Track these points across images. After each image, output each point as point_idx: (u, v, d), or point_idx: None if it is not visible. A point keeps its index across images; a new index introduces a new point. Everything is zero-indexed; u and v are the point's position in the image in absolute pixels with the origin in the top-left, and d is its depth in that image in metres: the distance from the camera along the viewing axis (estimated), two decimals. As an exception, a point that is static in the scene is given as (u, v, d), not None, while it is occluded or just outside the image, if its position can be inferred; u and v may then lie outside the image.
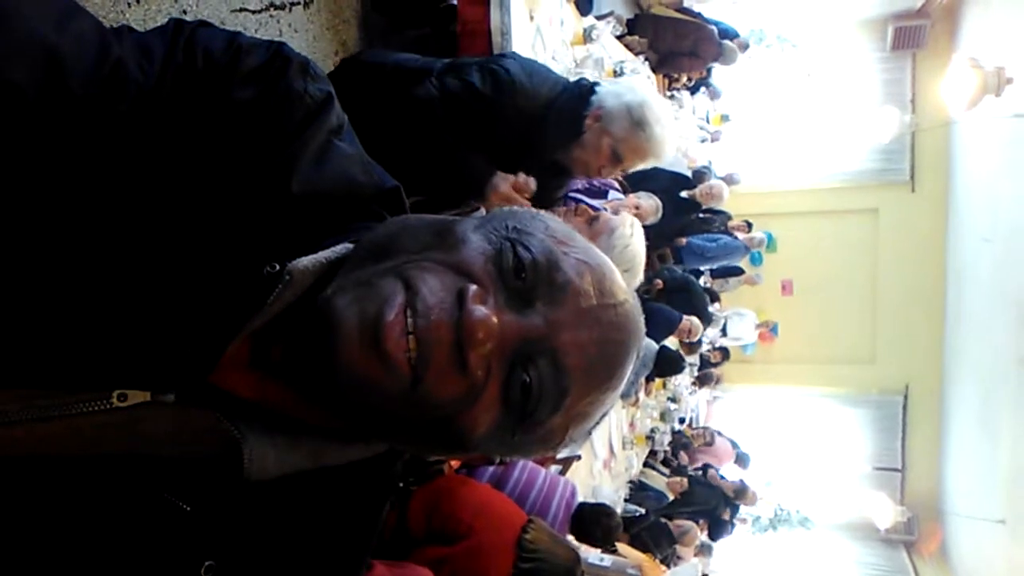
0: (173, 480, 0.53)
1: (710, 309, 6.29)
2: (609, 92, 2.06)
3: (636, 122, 2.01)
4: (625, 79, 2.15)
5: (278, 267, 0.52)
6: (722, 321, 7.58)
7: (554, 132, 2.03)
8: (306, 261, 0.54)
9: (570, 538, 2.78)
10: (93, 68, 0.51)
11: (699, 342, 6.07)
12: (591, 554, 3.22)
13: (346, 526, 0.64)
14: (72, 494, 0.51)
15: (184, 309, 0.52)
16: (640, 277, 2.21)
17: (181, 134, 0.53)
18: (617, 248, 2.04)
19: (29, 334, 0.49)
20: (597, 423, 0.61)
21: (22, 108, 0.48)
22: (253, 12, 2.44)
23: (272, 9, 2.51)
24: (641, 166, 2.15)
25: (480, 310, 0.50)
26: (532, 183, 1.91)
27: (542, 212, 0.61)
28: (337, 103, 0.62)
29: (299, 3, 2.59)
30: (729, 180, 7.70)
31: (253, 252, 0.54)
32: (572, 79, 2.20)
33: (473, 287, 0.52)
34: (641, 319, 0.61)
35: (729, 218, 6.64)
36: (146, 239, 0.52)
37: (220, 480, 0.53)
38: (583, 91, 2.08)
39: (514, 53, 2.15)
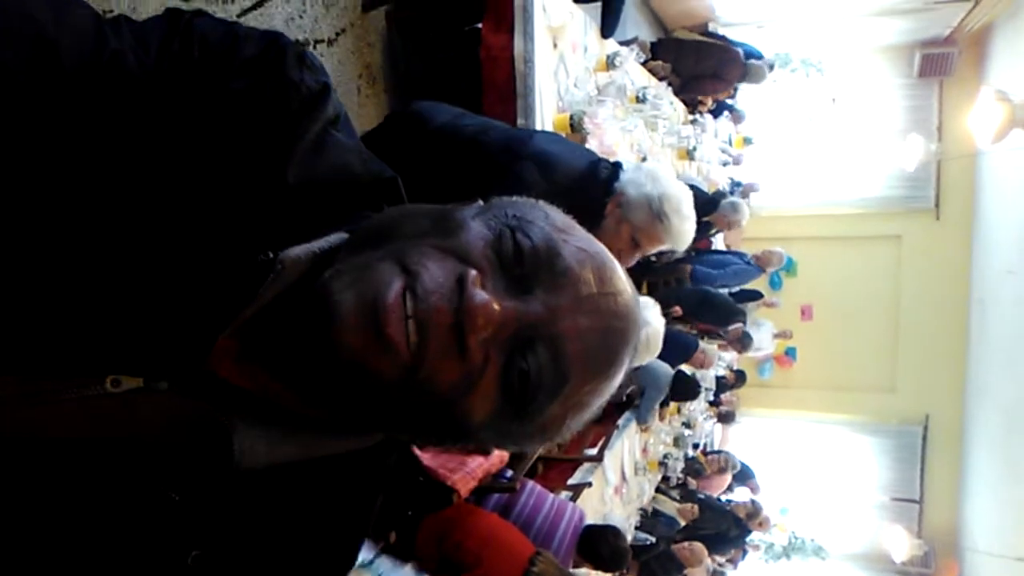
0: (163, 468, 0.53)
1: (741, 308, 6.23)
2: (630, 181, 2.07)
3: (656, 214, 2.03)
4: (647, 165, 2.16)
5: (272, 255, 0.52)
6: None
7: (574, 217, 2.03)
8: (298, 250, 0.53)
9: (581, 571, 2.76)
10: (89, 57, 0.51)
11: (747, 337, 5.96)
12: (600, 585, 3.19)
13: (337, 517, 0.63)
14: (60, 480, 0.51)
15: (178, 296, 0.52)
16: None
17: (177, 122, 0.53)
18: (643, 337, 2.11)
19: (22, 319, 0.49)
20: (595, 415, 0.61)
21: (16, 97, 0.48)
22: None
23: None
24: (661, 249, 2.17)
25: (481, 295, 0.50)
26: None
27: (541, 202, 0.61)
28: (334, 94, 0.62)
29: (323, 41, 2.62)
30: (749, 188, 7.67)
31: (249, 241, 0.53)
32: (596, 159, 2.19)
33: (473, 272, 0.51)
34: (639, 311, 0.61)
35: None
36: (141, 225, 0.51)
37: (210, 469, 0.53)
38: (605, 177, 2.09)
39: (535, 139, 2.12)
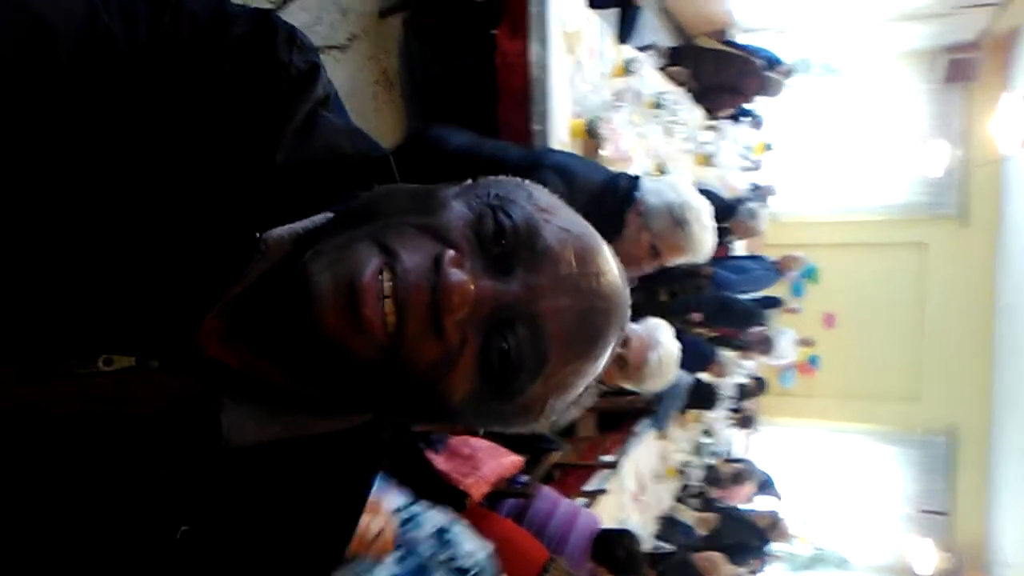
0: (153, 445, 0.53)
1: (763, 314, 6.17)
2: (651, 190, 2.10)
3: (676, 221, 2.06)
4: (667, 178, 2.23)
5: (258, 236, 0.52)
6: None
7: (594, 226, 2.13)
8: (281, 230, 0.54)
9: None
10: (81, 37, 0.51)
11: (767, 340, 5.90)
12: (614, 593, 3.16)
13: (330, 496, 0.64)
14: (52, 456, 0.51)
15: (168, 275, 0.52)
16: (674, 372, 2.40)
17: (166, 100, 0.53)
18: (656, 359, 2.23)
19: (15, 300, 0.49)
20: (579, 396, 0.61)
21: (14, 82, 0.48)
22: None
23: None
24: (680, 260, 2.19)
25: (457, 274, 0.50)
26: None
27: (526, 182, 0.60)
28: (324, 73, 0.62)
29: (338, 47, 2.63)
30: (766, 191, 7.60)
31: (238, 221, 0.54)
32: (615, 173, 2.24)
33: (450, 252, 0.51)
34: (626, 292, 0.61)
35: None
36: (131, 205, 0.51)
37: (199, 446, 0.53)
38: (625, 187, 2.13)
39: (553, 154, 2.21)
